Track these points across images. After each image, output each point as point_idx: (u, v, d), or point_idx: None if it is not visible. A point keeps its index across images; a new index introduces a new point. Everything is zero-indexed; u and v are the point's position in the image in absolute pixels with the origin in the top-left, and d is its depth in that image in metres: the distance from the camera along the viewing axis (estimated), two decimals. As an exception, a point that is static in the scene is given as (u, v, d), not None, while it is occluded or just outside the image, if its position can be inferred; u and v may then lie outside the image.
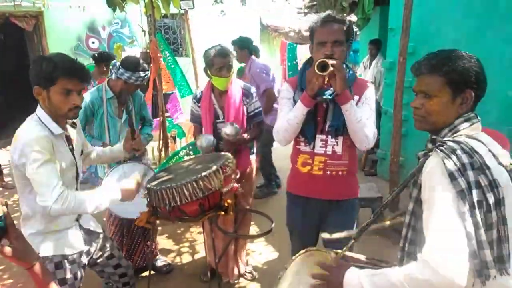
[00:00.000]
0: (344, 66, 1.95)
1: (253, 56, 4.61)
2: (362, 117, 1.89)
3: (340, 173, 2.03)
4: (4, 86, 9.67)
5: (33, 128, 1.73)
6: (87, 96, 2.80)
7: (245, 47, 4.56)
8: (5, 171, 5.72)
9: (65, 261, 1.87)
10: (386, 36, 5.04)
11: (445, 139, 1.26)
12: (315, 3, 5.95)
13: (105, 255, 2.11)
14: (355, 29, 8.61)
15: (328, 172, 2.01)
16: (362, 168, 5.46)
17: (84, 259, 1.99)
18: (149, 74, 2.88)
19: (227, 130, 2.51)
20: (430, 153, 1.26)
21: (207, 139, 2.54)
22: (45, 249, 1.83)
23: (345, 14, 5.43)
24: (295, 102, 2.00)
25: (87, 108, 2.78)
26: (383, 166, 5.05)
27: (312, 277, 1.39)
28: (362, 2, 4.67)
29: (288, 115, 1.96)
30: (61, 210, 1.69)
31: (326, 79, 1.80)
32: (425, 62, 1.31)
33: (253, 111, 2.76)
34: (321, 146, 2.00)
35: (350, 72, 2.05)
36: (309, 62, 2.06)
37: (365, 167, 5.48)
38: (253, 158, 2.92)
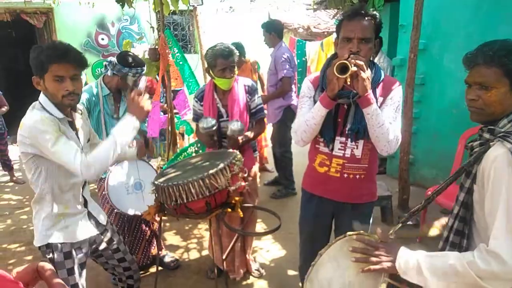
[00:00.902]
0: (371, 65, 1.87)
1: (282, 42, 4.55)
2: (385, 122, 1.77)
3: (357, 176, 1.95)
4: (14, 81, 9.78)
5: (36, 112, 1.74)
6: (83, 95, 2.75)
7: (271, 30, 4.49)
8: (15, 166, 5.80)
9: (74, 250, 1.89)
10: (396, 33, 4.98)
11: (506, 129, 1.25)
12: (324, -1, 5.89)
13: (112, 248, 2.12)
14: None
15: (346, 175, 1.94)
16: (371, 166, 5.41)
17: (91, 248, 2.01)
18: (145, 70, 2.85)
19: (233, 126, 2.50)
20: (491, 143, 1.25)
21: (207, 121, 2.53)
22: (55, 236, 1.85)
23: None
24: (315, 101, 1.89)
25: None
26: (393, 164, 5.00)
27: (352, 251, 1.35)
28: (372, -2, 4.61)
29: (306, 115, 1.87)
30: (94, 174, 1.73)
31: (348, 80, 1.67)
32: (480, 53, 1.28)
33: (255, 108, 2.74)
34: (340, 148, 1.92)
35: (378, 71, 1.91)
36: (333, 59, 1.93)
37: (374, 165, 5.43)
38: (255, 156, 2.91)
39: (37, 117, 1.70)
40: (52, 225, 1.86)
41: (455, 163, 3.54)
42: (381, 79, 1.90)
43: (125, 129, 1.82)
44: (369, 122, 1.77)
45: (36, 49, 1.74)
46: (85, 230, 1.95)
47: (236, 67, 2.59)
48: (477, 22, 3.86)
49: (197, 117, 2.81)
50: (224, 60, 2.50)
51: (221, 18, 8.17)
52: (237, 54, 2.58)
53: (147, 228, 3.06)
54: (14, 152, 6.80)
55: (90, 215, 2.00)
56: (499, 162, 1.19)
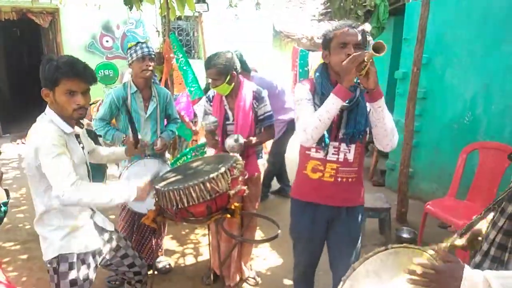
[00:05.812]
0: None
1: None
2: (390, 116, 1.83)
3: (350, 180, 2.00)
4: (18, 80, 9.80)
5: (45, 127, 1.75)
6: (113, 92, 2.86)
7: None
8: (13, 165, 5.78)
9: (79, 261, 1.87)
10: (399, 46, 5.01)
11: None
12: (329, 10, 5.94)
13: (119, 255, 2.11)
14: (369, 38, 8.57)
15: (339, 179, 1.98)
16: (370, 178, 5.41)
17: (96, 260, 1.99)
18: (153, 50, 2.91)
19: (229, 144, 2.50)
20: None
21: (209, 118, 2.61)
22: (62, 246, 1.84)
23: (359, 23, 5.42)
24: (315, 104, 1.93)
25: (112, 103, 2.82)
26: (392, 177, 5.00)
27: (409, 273, 1.17)
28: (377, 11, 4.66)
29: (319, 111, 1.82)
30: (74, 199, 1.69)
31: (364, 72, 1.67)
32: None
33: (262, 115, 2.75)
34: (334, 153, 1.96)
35: None
36: (324, 67, 2.00)
37: (373, 177, 5.43)
38: (260, 163, 2.90)
39: (45, 133, 1.71)
40: (60, 237, 1.84)
41: (455, 178, 3.54)
42: None
43: (123, 194, 1.87)
44: (379, 115, 1.79)
45: (47, 62, 1.73)
46: (90, 241, 1.94)
47: (219, 79, 2.61)
48: (481, 39, 3.88)
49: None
50: (207, 70, 2.65)
51: (225, 25, 8.21)
52: (219, 65, 2.59)
53: (155, 228, 3.04)
54: (11, 149, 6.80)
55: (96, 226, 2.00)
56: None
